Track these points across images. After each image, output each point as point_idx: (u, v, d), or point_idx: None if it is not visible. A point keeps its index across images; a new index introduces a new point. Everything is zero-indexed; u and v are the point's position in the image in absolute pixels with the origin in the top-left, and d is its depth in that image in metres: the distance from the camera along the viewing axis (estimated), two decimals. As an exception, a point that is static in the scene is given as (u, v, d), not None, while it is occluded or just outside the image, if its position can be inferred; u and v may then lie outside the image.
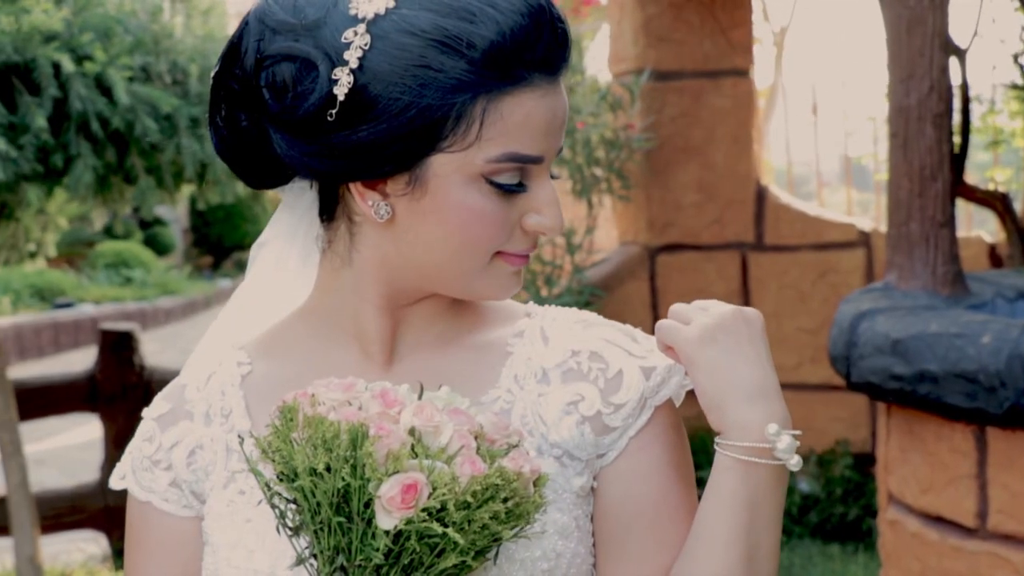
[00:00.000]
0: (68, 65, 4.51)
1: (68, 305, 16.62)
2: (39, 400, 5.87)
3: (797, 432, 1.23)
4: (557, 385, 1.29)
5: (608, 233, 7.76)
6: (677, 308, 1.28)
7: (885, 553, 3.98)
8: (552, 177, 1.28)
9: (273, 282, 1.40)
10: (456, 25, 1.17)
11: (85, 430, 9.26)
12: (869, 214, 10.69)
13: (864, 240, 6.28)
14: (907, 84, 4.05)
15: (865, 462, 6.12)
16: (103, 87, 4.40)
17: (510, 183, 1.22)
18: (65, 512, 5.96)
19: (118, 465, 1.39)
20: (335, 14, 1.19)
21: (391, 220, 1.24)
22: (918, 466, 3.73)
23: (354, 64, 1.17)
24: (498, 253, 1.26)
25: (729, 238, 6.36)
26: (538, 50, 1.20)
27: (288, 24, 1.20)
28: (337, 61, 1.18)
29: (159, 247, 21.00)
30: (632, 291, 6.29)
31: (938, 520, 3.68)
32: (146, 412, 1.38)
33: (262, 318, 1.40)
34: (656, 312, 6.33)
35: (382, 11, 1.18)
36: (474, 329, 1.35)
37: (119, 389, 6.06)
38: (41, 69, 4.48)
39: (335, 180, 1.24)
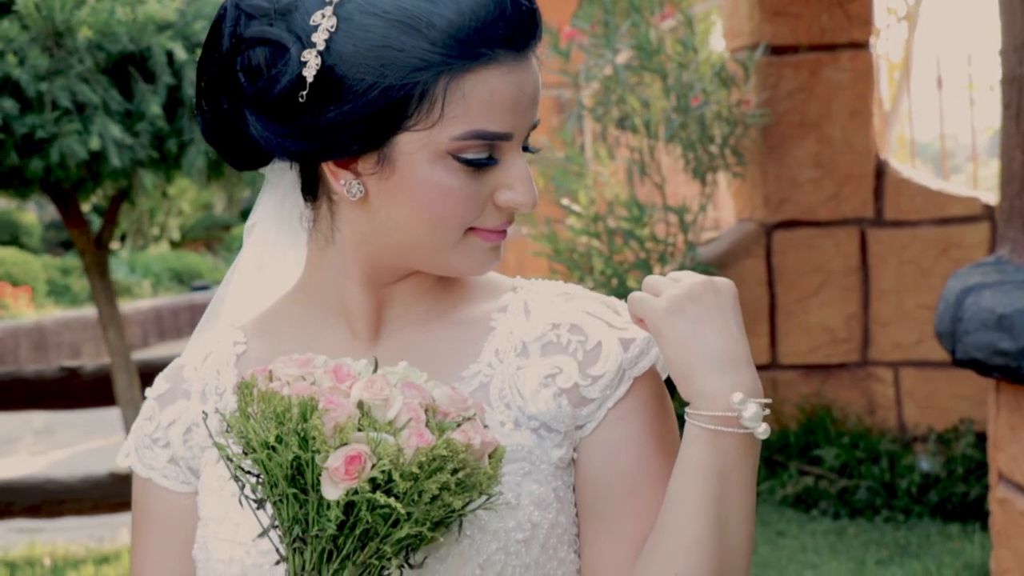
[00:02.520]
0: (181, 53, 4.62)
1: (205, 287, 17.07)
2: (165, 380, 6.04)
3: (766, 400, 1.22)
4: (536, 358, 1.30)
5: (731, 212, 7.69)
6: (650, 280, 1.28)
7: (995, 532, 3.89)
8: (528, 150, 1.29)
9: (265, 262, 1.43)
10: (416, 5, 1.19)
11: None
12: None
13: (988, 214, 6.12)
14: (1020, 52, 3.93)
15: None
16: (214, 74, 4.51)
17: (478, 157, 1.24)
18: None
19: (124, 443, 1.44)
20: None
21: (365, 199, 1.27)
22: (1026, 444, 3.64)
23: (321, 46, 1.20)
24: (472, 229, 1.27)
25: (847, 214, 6.26)
26: (500, 27, 1.21)
27: (262, 8, 1.23)
28: (307, 43, 1.21)
29: (292, 230, 21.42)
30: (748, 268, 6.23)
31: (1046, 500, 3.59)
32: (148, 391, 1.42)
33: (258, 298, 1.43)
34: (772, 290, 6.26)
35: None
36: (460, 305, 1.36)
37: (240, 369, 6.19)
38: (155, 58, 4.61)
39: (308, 160, 1.27)
